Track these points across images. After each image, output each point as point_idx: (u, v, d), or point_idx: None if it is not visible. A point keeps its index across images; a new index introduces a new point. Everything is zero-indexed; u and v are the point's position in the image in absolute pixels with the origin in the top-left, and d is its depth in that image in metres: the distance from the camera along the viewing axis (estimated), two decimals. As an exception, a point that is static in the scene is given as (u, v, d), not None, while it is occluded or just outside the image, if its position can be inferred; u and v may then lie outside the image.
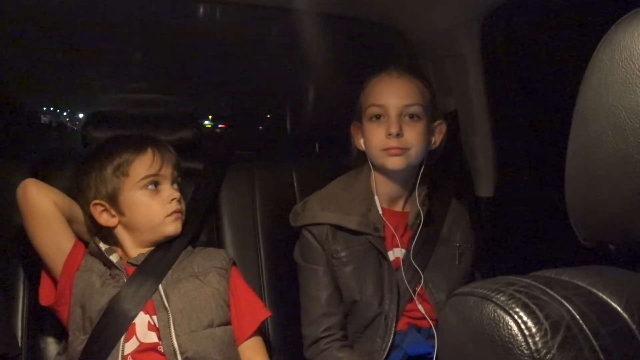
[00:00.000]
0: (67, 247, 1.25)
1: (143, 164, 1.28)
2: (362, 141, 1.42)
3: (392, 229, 1.39)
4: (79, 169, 1.32)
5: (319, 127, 1.68)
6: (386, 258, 1.36)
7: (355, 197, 1.40)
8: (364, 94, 1.40)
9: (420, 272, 1.36)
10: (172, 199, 1.29)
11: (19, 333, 1.31)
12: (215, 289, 1.26)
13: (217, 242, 1.50)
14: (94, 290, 1.21)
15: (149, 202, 1.27)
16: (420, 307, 1.36)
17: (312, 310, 1.36)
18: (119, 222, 1.29)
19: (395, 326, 1.33)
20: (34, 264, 1.32)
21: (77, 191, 1.31)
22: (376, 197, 1.39)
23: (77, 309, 1.21)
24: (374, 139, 1.36)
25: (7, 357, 1.19)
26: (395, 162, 1.34)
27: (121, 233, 1.30)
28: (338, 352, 1.32)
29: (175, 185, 1.32)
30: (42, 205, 1.22)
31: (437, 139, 1.42)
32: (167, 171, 1.30)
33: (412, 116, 1.35)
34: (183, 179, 1.37)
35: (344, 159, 1.52)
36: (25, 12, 2.03)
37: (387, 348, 1.30)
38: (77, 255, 1.25)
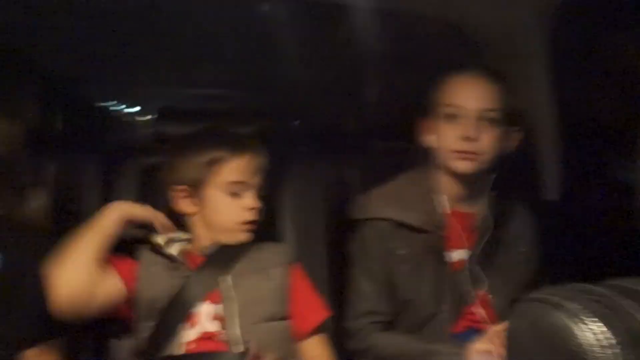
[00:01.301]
0: (118, 289, 1.23)
1: (236, 167, 1.28)
2: (430, 138, 1.38)
3: (456, 229, 1.37)
4: (178, 147, 1.33)
5: (379, 124, 1.67)
6: (447, 258, 1.34)
7: (419, 194, 1.38)
8: (440, 90, 1.36)
9: (483, 276, 1.34)
10: (252, 209, 1.29)
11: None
12: (278, 283, 1.28)
13: (278, 237, 1.52)
14: (159, 279, 1.24)
15: (229, 205, 1.28)
16: (480, 311, 1.33)
17: (359, 305, 1.35)
18: (196, 213, 1.30)
19: (452, 328, 1.32)
20: None
21: (170, 168, 1.32)
22: (441, 196, 1.37)
23: (144, 299, 1.23)
24: (447, 139, 1.32)
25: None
26: (465, 166, 1.31)
27: (196, 222, 1.31)
28: (382, 334, 1.31)
29: (258, 194, 1.31)
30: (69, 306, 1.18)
31: (512, 145, 1.38)
32: (255, 180, 1.30)
33: (489, 121, 1.31)
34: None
35: (405, 157, 1.51)
36: (97, 7, 2.11)
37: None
38: (128, 271, 1.25)
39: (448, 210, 1.37)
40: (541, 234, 1.46)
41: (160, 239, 1.29)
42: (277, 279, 1.28)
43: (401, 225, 1.35)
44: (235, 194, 1.28)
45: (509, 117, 1.34)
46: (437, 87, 1.38)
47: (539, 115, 1.59)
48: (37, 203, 1.33)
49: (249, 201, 1.29)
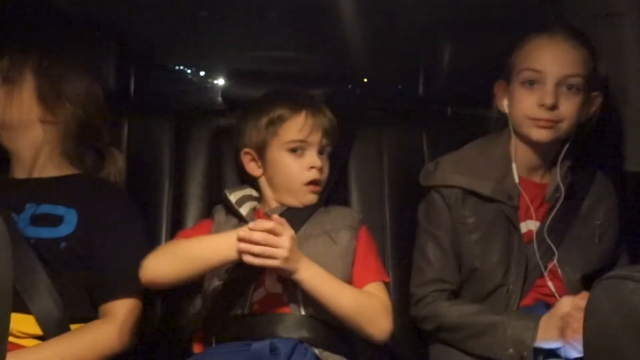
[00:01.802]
0: None
1: (293, 126, 1.29)
2: (505, 102, 1.33)
3: (527, 199, 1.31)
4: (243, 111, 1.38)
5: (452, 89, 1.61)
6: (517, 229, 1.30)
7: (491, 162, 1.33)
8: (519, 52, 1.31)
9: (554, 248, 1.29)
10: (312, 167, 1.29)
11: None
12: (345, 248, 1.27)
13: (343, 201, 1.51)
14: None
15: (290, 164, 1.29)
16: (550, 284, 1.29)
17: (425, 273, 1.33)
18: (263, 174, 1.34)
19: (519, 300, 1.28)
20: (178, 207, 1.46)
21: (236, 132, 1.37)
22: (514, 164, 1.32)
23: None
24: (523, 106, 1.27)
25: (149, 292, 1.29)
26: (541, 135, 1.26)
27: (264, 185, 1.35)
28: (447, 302, 1.29)
29: (323, 155, 1.32)
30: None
31: (591, 111, 1.31)
32: (315, 139, 1.30)
33: (570, 87, 1.25)
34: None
35: (477, 124, 1.45)
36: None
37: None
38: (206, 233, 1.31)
39: (518, 179, 1.32)
40: (623, 207, 1.39)
41: (232, 197, 1.32)
42: (343, 243, 1.28)
43: (471, 193, 1.31)
44: (296, 153, 1.29)
45: (590, 81, 1.27)
46: (516, 49, 1.31)
47: (629, 81, 1.48)
48: (113, 162, 1.39)
49: (310, 159, 1.29)
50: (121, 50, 1.56)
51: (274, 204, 1.33)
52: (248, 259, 1.14)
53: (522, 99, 1.28)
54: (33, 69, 1.28)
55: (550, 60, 1.25)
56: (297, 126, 1.29)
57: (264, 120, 1.31)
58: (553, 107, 1.23)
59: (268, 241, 1.13)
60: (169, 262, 1.21)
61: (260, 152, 1.32)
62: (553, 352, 1.18)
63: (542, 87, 1.25)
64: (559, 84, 1.24)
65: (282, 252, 1.14)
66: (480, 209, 1.31)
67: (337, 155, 1.45)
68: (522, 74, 1.28)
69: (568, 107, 1.25)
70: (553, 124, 1.25)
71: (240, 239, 1.14)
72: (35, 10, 1.66)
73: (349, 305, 1.20)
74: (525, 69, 1.27)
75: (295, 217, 1.29)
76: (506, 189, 1.31)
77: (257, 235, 1.13)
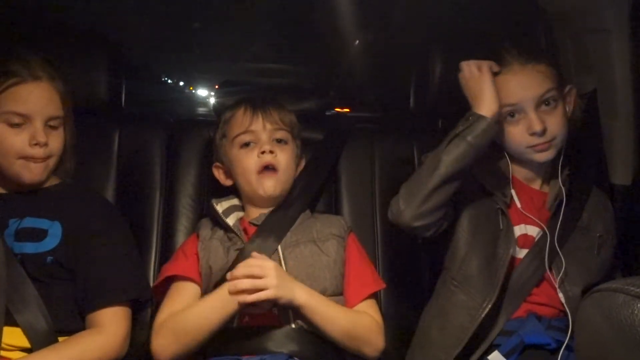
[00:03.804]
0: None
1: (235, 122, 1.33)
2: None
3: (517, 199, 1.31)
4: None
5: (443, 102, 1.62)
6: (509, 223, 1.28)
7: (490, 155, 1.34)
8: None
9: (553, 257, 1.28)
10: (262, 152, 1.29)
11: (151, 282, 1.39)
12: (332, 258, 1.27)
13: (334, 211, 1.52)
14: (217, 254, 1.27)
15: (242, 158, 1.31)
16: (546, 293, 1.28)
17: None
18: (234, 184, 1.35)
19: (512, 310, 1.26)
20: (169, 217, 1.45)
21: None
22: (510, 165, 1.33)
23: (207, 270, 1.26)
24: (516, 139, 1.29)
25: (139, 302, 1.28)
26: (543, 156, 1.29)
27: (239, 194, 1.36)
28: None
29: (281, 143, 1.32)
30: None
31: (571, 103, 1.33)
32: (258, 126, 1.31)
33: (548, 103, 1.28)
34: (303, 146, 1.39)
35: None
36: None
37: (489, 306, 1.22)
38: (194, 258, 1.29)
39: (518, 185, 1.33)
40: (616, 220, 1.40)
41: (219, 207, 1.32)
42: (331, 253, 1.28)
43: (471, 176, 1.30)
44: (248, 147, 1.31)
45: (562, 83, 1.31)
46: None
47: (617, 95, 1.50)
48: (101, 172, 1.38)
49: (259, 146, 1.30)
50: (113, 61, 1.56)
51: (254, 213, 1.33)
52: (245, 299, 1.14)
53: (511, 133, 1.29)
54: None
55: (520, 89, 1.27)
56: (238, 120, 1.33)
57: (218, 133, 1.36)
58: (543, 132, 1.26)
59: (252, 272, 1.15)
60: (174, 341, 1.18)
61: (224, 161, 1.35)
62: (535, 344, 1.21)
63: (525, 116, 1.27)
64: (537, 106, 1.27)
65: (270, 280, 1.14)
66: (475, 194, 1.31)
67: (323, 163, 1.46)
68: (501, 111, 1.27)
69: (556, 122, 1.28)
70: (549, 144, 1.28)
71: (230, 280, 1.16)
72: (30, 23, 1.66)
73: (343, 327, 1.20)
74: (502, 107, 1.26)
75: (279, 223, 1.30)
76: (500, 183, 1.31)
77: (241, 271, 1.15)
